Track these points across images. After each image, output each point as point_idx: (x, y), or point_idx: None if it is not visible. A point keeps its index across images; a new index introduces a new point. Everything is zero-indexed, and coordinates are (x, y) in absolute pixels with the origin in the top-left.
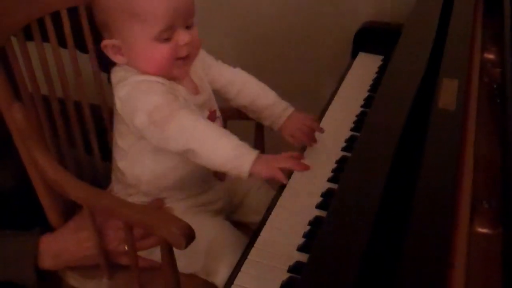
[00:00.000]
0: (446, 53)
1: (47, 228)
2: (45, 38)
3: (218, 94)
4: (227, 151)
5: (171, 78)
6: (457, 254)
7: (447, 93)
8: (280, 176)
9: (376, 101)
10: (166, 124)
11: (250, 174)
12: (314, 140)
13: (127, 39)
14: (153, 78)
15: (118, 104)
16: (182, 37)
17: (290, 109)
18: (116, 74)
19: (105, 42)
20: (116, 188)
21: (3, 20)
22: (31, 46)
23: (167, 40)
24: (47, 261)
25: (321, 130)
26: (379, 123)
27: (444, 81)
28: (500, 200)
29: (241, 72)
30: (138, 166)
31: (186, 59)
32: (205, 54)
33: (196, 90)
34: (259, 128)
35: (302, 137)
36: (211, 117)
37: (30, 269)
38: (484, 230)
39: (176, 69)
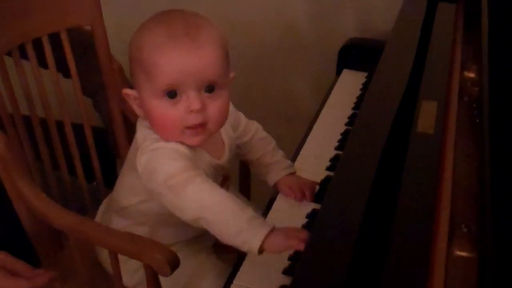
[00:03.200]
0: (426, 74)
1: (31, 253)
2: (27, 58)
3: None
4: (240, 224)
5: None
6: (435, 277)
7: (426, 116)
8: (296, 247)
9: (355, 126)
10: (182, 190)
11: (261, 249)
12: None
13: (140, 92)
14: (172, 145)
15: (139, 168)
16: (191, 102)
17: (292, 169)
18: (140, 129)
19: (125, 91)
20: (117, 222)
21: None
22: (10, 65)
23: (175, 103)
24: None
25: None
26: (359, 148)
27: (423, 104)
28: (479, 224)
29: (258, 127)
30: (142, 219)
31: (199, 129)
32: (236, 111)
33: (220, 154)
34: (244, 164)
35: (297, 192)
36: (223, 181)
37: None
38: (463, 254)
39: (186, 138)
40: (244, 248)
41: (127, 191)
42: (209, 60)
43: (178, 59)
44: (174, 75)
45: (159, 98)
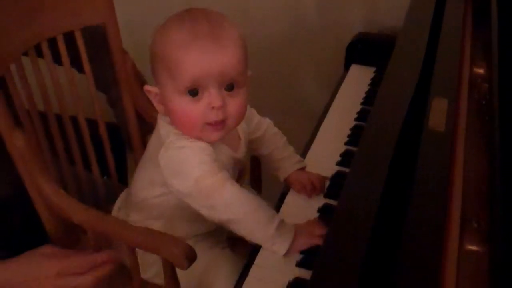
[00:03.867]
0: (436, 71)
1: (46, 237)
2: (42, 56)
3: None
4: (269, 231)
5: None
6: (447, 271)
7: (437, 114)
8: (317, 242)
9: (368, 124)
10: (212, 193)
11: (288, 252)
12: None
13: (161, 89)
14: (197, 144)
15: (162, 163)
16: (212, 99)
17: (303, 163)
18: (163, 124)
19: (146, 88)
20: (134, 216)
21: (2, 50)
22: (27, 63)
23: (197, 100)
24: None
25: (322, 191)
26: (371, 147)
27: (434, 101)
28: (489, 219)
29: (270, 123)
30: (158, 213)
31: (219, 126)
32: (249, 107)
33: (236, 147)
34: (255, 159)
35: (309, 187)
36: (239, 175)
37: None
38: (474, 248)
39: (205, 134)
40: (271, 250)
41: (146, 184)
42: (232, 59)
43: (202, 58)
44: (197, 73)
45: (181, 95)
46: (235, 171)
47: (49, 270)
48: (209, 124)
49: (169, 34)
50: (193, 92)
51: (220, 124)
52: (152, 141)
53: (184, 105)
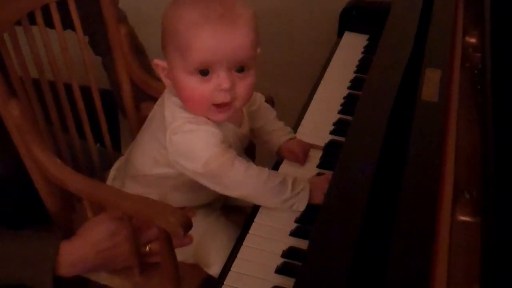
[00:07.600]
0: (429, 41)
1: (44, 217)
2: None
3: None
4: (284, 195)
5: None
6: (440, 241)
7: (430, 84)
8: None
9: (362, 97)
10: (221, 174)
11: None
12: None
13: (170, 65)
14: (204, 127)
15: (169, 147)
16: (221, 81)
17: (293, 134)
18: (169, 106)
19: (155, 61)
20: (132, 187)
21: None
22: (19, 30)
23: (206, 80)
24: (63, 269)
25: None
26: (366, 118)
27: (427, 72)
28: (481, 190)
29: (262, 97)
30: (156, 184)
31: (225, 107)
32: None
33: (240, 122)
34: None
35: (300, 154)
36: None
37: (48, 274)
38: (466, 219)
39: (211, 114)
40: (291, 209)
41: (149, 161)
42: (243, 42)
43: (213, 41)
44: (208, 55)
45: (190, 74)
46: (240, 147)
47: (115, 231)
48: (216, 105)
49: (182, 12)
50: (204, 72)
51: (227, 105)
52: (157, 117)
53: (192, 84)
